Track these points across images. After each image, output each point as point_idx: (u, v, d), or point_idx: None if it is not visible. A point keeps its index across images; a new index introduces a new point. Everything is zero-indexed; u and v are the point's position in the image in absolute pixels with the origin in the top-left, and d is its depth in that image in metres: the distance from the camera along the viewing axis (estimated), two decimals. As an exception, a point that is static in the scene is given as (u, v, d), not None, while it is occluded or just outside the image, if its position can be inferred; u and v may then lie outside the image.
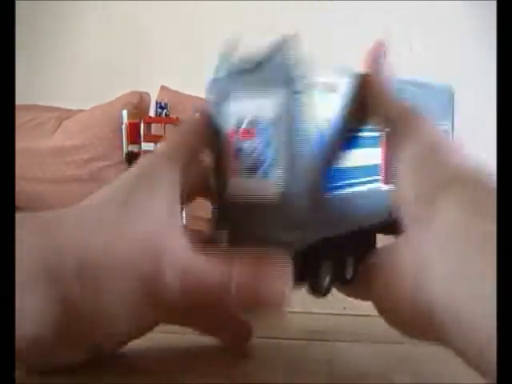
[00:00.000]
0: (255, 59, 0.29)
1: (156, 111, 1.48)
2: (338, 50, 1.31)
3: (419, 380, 0.30)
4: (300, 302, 0.47)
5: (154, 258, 0.26)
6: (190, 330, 0.34)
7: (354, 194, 0.31)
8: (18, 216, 0.26)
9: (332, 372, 0.31)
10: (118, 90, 1.76)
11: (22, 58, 1.68)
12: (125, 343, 0.30)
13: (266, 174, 0.29)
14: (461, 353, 0.24)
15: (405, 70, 0.32)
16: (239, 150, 0.30)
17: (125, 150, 1.39)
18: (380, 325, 0.28)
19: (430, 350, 0.33)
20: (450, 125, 0.39)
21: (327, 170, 0.30)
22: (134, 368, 0.30)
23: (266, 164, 0.29)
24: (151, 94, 1.80)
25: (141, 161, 0.30)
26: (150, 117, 1.51)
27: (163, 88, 1.76)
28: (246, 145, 0.29)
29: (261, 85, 0.29)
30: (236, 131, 0.30)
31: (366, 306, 0.29)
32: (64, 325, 0.25)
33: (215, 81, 0.31)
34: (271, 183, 0.28)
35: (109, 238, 0.26)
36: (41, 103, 1.82)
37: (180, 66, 1.93)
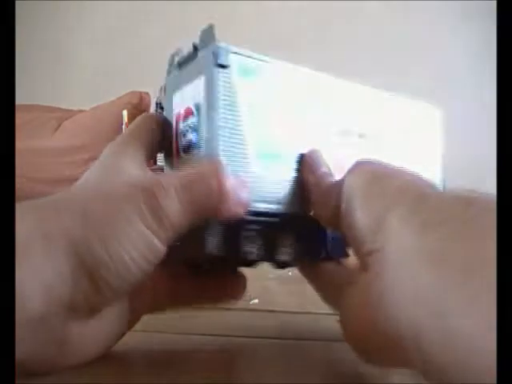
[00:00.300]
0: (188, 52, 0.32)
1: (156, 111, 1.48)
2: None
3: (419, 380, 0.30)
4: (300, 302, 0.47)
5: (148, 189, 0.28)
6: (190, 330, 0.34)
7: (286, 178, 0.33)
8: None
9: (332, 372, 0.31)
10: (118, 90, 1.76)
11: (22, 58, 1.67)
12: (139, 281, 0.29)
13: (197, 152, 0.31)
14: (423, 373, 0.24)
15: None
16: (180, 131, 0.32)
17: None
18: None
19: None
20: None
21: (255, 144, 0.31)
22: (134, 368, 0.30)
23: (197, 141, 0.31)
24: (151, 94, 1.80)
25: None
26: (150, 117, 1.51)
27: (163, 88, 1.76)
28: (184, 124, 0.32)
29: (195, 69, 0.31)
30: (179, 115, 0.32)
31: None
32: (81, 276, 0.26)
33: (166, 81, 0.34)
34: (198, 160, 0.30)
35: (104, 187, 0.29)
36: (41, 103, 1.82)
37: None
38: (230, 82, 0.30)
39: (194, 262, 0.34)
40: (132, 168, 0.30)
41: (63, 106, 1.84)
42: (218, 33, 0.31)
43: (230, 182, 0.29)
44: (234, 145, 0.30)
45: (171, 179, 0.28)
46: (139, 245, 0.27)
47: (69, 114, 1.81)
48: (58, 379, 0.27)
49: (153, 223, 0.27)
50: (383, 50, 1.47)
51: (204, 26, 0.31)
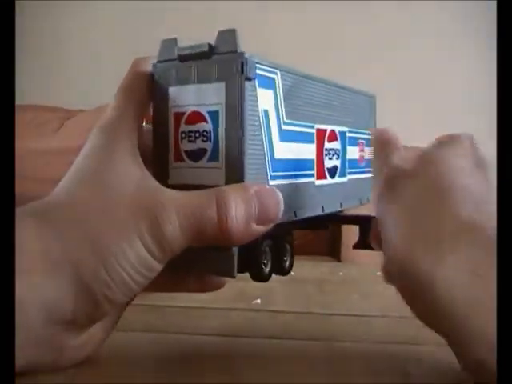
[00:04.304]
0: (201, 47, 0.30)
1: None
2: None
3: (419, 380, 0.30)
4: (302, 302, 0.47)
5: (150, 211, 0.27)
6: (191, 330, 0.34)
7: (291, 185, 0.32)
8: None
9: (332, 372, 0.31)
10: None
11: (23, 58, 1.68)
12: (136, 293, 0.30)
13: (210, 161, 0.29)
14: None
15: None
16: (185, 134, 0.30)
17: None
18: (380, 325, 0.28)
19: (428, 349, 0.33)
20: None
21: (270, 160, 0.30)
22: (135, 368, 0.30)
23: (211, 150, 0.29)
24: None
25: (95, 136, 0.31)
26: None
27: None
28: (190, 128, 0.30)
29: (209, 72, 0.29)
30: (182, 114, 0.30)
31: (366, 307, 0.29)
32: (83, 295, 0.26)
33: (159, 64, 0.31)
34: (215, 171, 0.29)
35: (102, 196, 0.28)
36: (41, 103, 1.82)
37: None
38: (254, 95, 0.29)
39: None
40: (128, 164, 0.29)
41: (64, 106, 1.84)
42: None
43: (240, 215, 0.28)
44: (258, 158, 0.29)
45: (175, 203, 0.28)
46: (139, 266, 0.27)
47: (71, 113, 1.81)
48: (58, 379, 0.27)
49: (153, 247, 0.27)
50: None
51: (224, 27, 0.29)
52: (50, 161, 1.67)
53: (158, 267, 0.28)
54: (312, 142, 0.34)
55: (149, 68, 0.31)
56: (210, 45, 0.29)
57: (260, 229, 0.29)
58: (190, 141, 0.30)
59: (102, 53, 2.00)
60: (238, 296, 0.48)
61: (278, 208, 0.29)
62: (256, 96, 0.29)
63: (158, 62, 0.31)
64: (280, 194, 0.29)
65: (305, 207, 0.33)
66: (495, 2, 0.34)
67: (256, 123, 0.29)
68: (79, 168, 0.30)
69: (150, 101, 0.31)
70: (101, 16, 2.02)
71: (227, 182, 0.28)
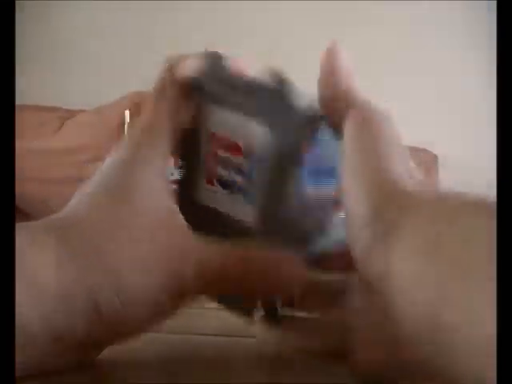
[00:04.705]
0: (253, 80, 0.28)
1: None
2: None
3: (419, 380, 0.30)
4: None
5: (173, 260, 0.27)
6: (191, 330, 0.34)
7: None
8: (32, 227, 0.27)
9: (332, 372, 0.31)
10: (119, 90, 1.76)
11: (23, 58, 1.68)
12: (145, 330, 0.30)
13: (242, 195, 0.29)
14: None
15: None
16: (220, 159, 0.29)
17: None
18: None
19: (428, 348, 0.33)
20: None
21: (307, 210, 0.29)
22: (135, 368, 0.30)
23: (244, 185, 0.29)
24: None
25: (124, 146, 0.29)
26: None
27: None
28: (226, 156, 0.29)
29: (258, 109, 0.28)
30: (221, 138, 0.29)
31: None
32: (93, 322, 0.26)
33: (202, 78, 0.29)
34: (245, 206, 0.28)
35: (124, 233, 0.27)
36: (41, 103, 1.82)
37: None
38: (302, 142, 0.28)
39: None
40: (157, 191, 0.28)
41: (64, 107, 1.84)
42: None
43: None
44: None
45: (198, 256, 0.27)
46: (153, 306, 0.27)
47: (71, 113, 1.81)
48: (58, 379, 0.27)
49: (170, 293, 0.27)
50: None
51: (273, 66, 0.28)
52: (50, 161, 1.67)
53: (171, 310, 0.28)
54: None
55: (187, 72, 0.29)
56: (257, 82, 0.28)
57: None
58: (224, 168, 0.29)
59: (102, 53, 2.00)
60: (238, 296, 0.48)
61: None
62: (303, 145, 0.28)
63: (201, 74, 0.29)
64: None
65: None
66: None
67: (296, 172, 0.28)
68: (102, 182, 0.28)
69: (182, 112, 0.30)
70: (101, 16, 2.02)
71: (254, 220, 0.28)
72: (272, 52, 1.28)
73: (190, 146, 0.30)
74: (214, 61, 0.30)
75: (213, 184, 0.29)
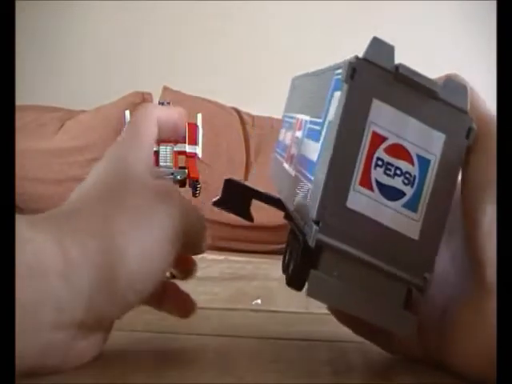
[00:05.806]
0: (433, 85, 0.27)
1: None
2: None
3: (419, 380, 0.30)
4: (303, 302, 0.47)
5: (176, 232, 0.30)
6: (192, 330, 0.34)
7: None
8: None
9: (332, 372, 0.31)
10: (120, 90, 1.76)
11: (23, 58, 1.68)
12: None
13: (406, 208, 0.27)
14: None
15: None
16: (382, 162, 0.27)
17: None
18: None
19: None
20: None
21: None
22: (135, 368, 0.30)
23: (410, 197, 0.27)
24: (153, 95, 1.80)
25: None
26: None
27: (166, 88, 1.76)
28: (395, 163, 0.27)
29: (431, 115, 0.27)
30: (383, 138, 0.27)
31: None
32: (98, 298, 0.27)
33: (363, 62, 0.27)
34: (409, 221, 0.27)
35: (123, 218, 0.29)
36: (42, 104, 1.82)
37: (182, 67, 1.93)
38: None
39: None
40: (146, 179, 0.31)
41: (65, 107, 1.84)
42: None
43: None
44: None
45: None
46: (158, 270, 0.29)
47: (71, 114, 1.81)
48: (58, 379, 0.27)
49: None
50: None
51: None
52: (50, 161, 1.67)
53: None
54: None
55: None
56: (433, 87, 0.27)
57: None
58: (386, 174, 0.27)
59: (102, 53, 2.00)
60: (238, 296, 0.48)
61: None
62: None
63: (364, 59, 0.27)
64: None
65: None
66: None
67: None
68: (97, 178, 0.31)
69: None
70: (101, 17, 2.02)
71: (422, 237, 0.27)
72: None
73: (342, 138, 0.27)
74: (384, 50, 0.27)
75: (371, 188, 0.27)
